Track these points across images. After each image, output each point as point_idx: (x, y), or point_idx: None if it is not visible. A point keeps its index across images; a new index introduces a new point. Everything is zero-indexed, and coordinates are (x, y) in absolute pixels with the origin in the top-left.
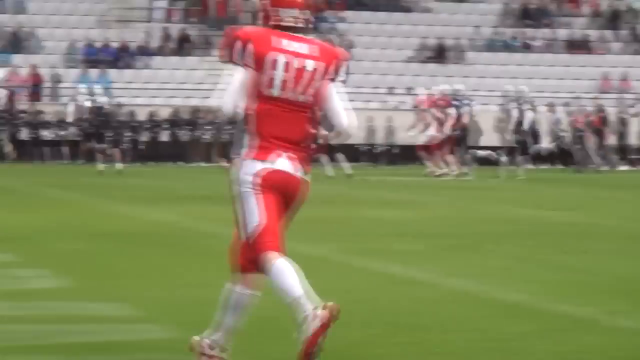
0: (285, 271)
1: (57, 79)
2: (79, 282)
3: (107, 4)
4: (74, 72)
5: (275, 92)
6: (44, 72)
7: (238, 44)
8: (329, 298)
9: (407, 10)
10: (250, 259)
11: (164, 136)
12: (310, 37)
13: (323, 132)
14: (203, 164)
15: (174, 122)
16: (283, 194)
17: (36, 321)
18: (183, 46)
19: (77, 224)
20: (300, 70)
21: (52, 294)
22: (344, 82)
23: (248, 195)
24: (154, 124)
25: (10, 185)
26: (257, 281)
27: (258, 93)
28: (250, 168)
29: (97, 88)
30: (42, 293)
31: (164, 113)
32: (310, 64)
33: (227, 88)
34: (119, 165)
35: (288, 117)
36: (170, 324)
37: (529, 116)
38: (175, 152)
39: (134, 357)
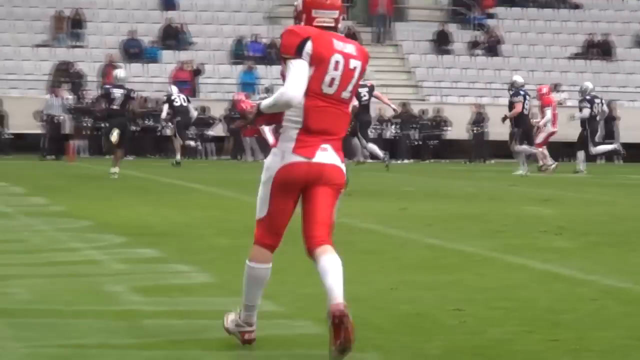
0: (257, 279)
1: (205, 75)
2: (222, 277)
3: (272, 1)
4: (223, 68)
5: (328, 89)
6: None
7: (299, 41)
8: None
9: (557, 6)
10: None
11: None
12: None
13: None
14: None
15: None
16: (314, 182)
17: (181, 316)
18: None
19: (221, 219)
20: (350, 70)
21: (196, 290)
22: None
23: (266, 186)
24: None
25: (153, 182)
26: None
27: (311, 89)
28: (282, 160)
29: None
30: (185, 289)
31: None
32: (354, 64)
33: (295, 80)
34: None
35: (332, 112)
36: (313, 320)
37: None
38: None
39: (293, 353)
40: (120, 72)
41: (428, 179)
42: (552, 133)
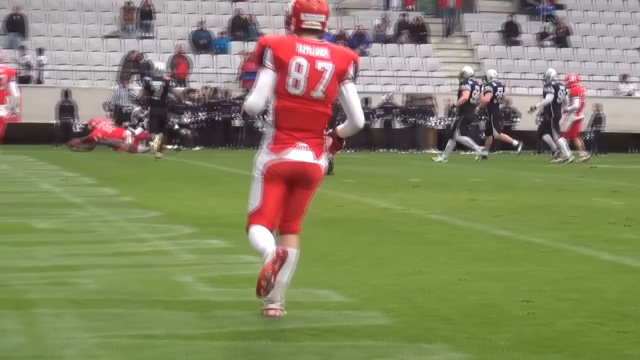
0: (258, 234)
1: None
2: None
3: None
4: None
5: (294, 90)
6: None
7: (260, 51)
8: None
9: None
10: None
11: (377, 124)
12: (323, 40)
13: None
14: (433, 151)
15: (388, 109)
16: (293, 179)
17: (249, 307)
18: (400, 33)
19: None
20: (317, 71)
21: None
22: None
23: (257, 181)
24: (367, 111)
25: (222, 173)
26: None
27: (279, 92)
28: (264, 158)
29: None
30: (253, 280)
31: (379, 100)
32: (323, 65)
33: (255, 90)
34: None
35: (303, 111)
36: (380, 311)
37: None
38: (388, 140)
39: (360, 344)
40: (159, 65)
41: (496, 170)
42: (578, 121)
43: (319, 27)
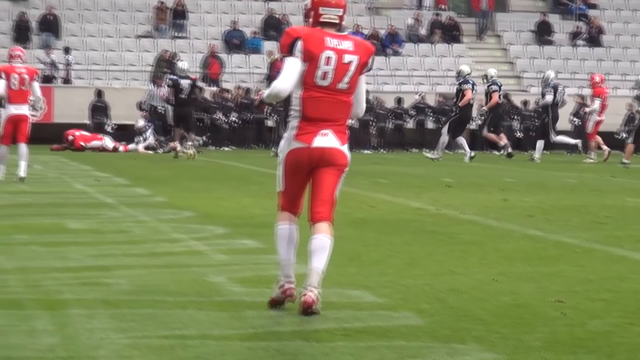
0: (282, 237)
1: None
2: None
3: None
4: None
5: (322, 82)
6: None
7: (291, 41)
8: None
9: None
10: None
11: (410, 124)
12: (346, 33)
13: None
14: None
15: (420, 109)
16: (317, 164)
17: (281, 308)
18: (433, 32)
19: None
20: (344, 64)
21: (296, 281)
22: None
23: (281, 166)
24: (400, 111)
25: (255, 173)
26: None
27: (307, 82)
28: (289, 146)
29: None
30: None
31: (412, 100)
32: (349, 58)
33: (284, 75)
34: (367, 152)
35: (329, 101)
36: (413, 311)
37: None
38: (421, 139)
39: (393, 344)
40: (182, 64)
41: (529, 170)
42: (599, 122)
43: (337, 21)
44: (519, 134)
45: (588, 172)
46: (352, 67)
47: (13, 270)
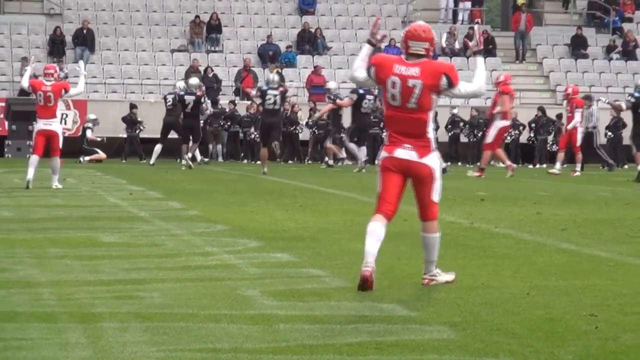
0: (370, 234)
1: (340, 79)
2: (356, 282)
3: (409, 6)
4: None
5: (393, 102)
6: (326, 73)
7: (368, 66)
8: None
9: None
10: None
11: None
12: (423, 60)
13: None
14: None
15: (455, 123)
16: (404, 173)
17: (315, 321)
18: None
19: (356, 224)
20: (408, 87)
21: (330, 295)
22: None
23: (378, 172)
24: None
25: (288, 186)
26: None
27: (385, 102)
28: (381, 155)
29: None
30: (319, 293)
31: (447, 114)
32: (413, 83)
33: (357, 65)
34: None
35: (403, 118)
36: (446, 324)
37: None
38: (454, 153)
39: (425, 358)
40: (193, 80)
41: (563, 183)
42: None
43: (423, 52)
44: (554, 147)
45: (622, 185)
46: (417, 90)
47: (47, 284)
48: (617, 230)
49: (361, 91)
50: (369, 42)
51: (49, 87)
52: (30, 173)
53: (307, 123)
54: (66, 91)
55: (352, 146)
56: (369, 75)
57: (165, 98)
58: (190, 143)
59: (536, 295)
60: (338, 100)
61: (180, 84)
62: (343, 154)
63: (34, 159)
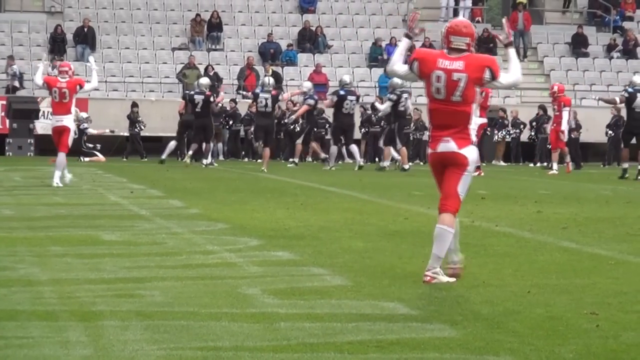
0: (438, 237)
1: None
2: (357, 280)
3: (409, 4)
4: (359, 72)
5: (437, 96)
6: (327, 72)
7: (411, 60)
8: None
9: None
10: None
11: None
12: (466, 54)
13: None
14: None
15: None
16: (446, 165)
17: (315, 319)
18: None
19: (357, 222)
20: (453, 81)
21: (331, 293)
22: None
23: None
24: None
25: (289, 185)
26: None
27: (429, 95)
28: (427, 152)
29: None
30: (320, 292)
31: None
32: (458, 76)
33: (394, 60)
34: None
35: (447, 111)
36: (447, 323)
37: None
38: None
39: (425, 356)
40: (203, 80)
41: (564, 182)
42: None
43: (464, 47)
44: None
45: (623, 184)
46: (462, 84)
47: (47, 282)
48: (617, 229)
49: (342, 92)
50: (407, 35)
51: (64, 84)
52: (65, 172)
53: (283, 123)
54: (81, 87)
55: (334, 150)
56: (411, 70)
57: (192, 99)
58: (204, 144)
59: (537, 294)
60: (319, 102)
61: (204, 81)
62: (324, 155)
63: (61, 157)
